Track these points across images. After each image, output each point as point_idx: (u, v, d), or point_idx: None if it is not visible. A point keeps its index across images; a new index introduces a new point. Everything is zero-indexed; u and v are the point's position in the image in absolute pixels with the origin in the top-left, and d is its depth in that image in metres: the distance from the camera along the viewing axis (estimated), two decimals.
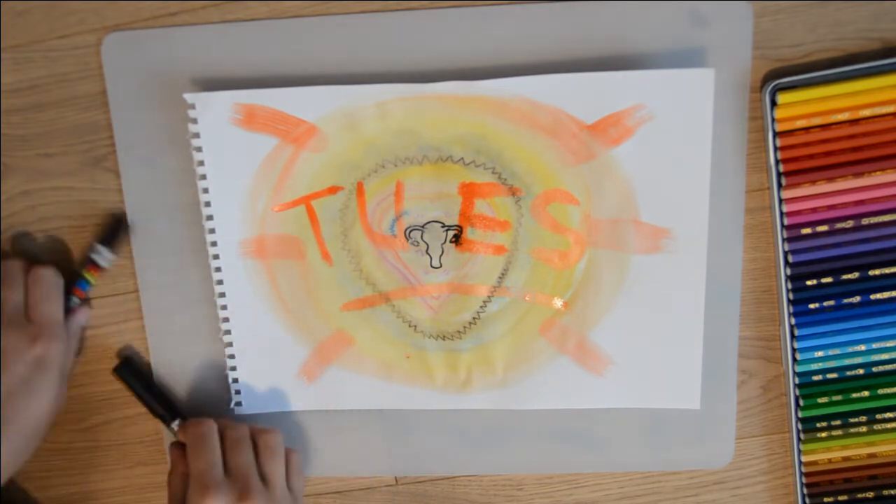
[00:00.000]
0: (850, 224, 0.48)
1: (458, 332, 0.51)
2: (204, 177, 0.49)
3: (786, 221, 0.48)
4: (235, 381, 0.52)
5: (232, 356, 0.52)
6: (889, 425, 0.51)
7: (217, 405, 0.54)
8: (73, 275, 0.51)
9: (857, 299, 0.49)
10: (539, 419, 0.53)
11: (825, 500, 0.52)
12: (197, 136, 0.49)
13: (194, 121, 0.48)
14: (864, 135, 0.47)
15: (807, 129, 0.47)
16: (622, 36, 0.48)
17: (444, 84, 0.47)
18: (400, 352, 0.52)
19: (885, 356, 0.50)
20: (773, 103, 0.47)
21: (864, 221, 0.48)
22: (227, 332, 0.52)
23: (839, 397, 0.50)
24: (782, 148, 0.48)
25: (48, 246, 0.52)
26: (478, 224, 0.50)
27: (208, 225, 0.50)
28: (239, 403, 0.53)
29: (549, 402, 0.52)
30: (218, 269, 0.51)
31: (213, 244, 0.50)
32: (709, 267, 0.49)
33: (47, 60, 0.50)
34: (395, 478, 0.55)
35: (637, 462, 0.53)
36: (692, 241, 0.49)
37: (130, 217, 0.51)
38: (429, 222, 0.50)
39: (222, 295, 0.51)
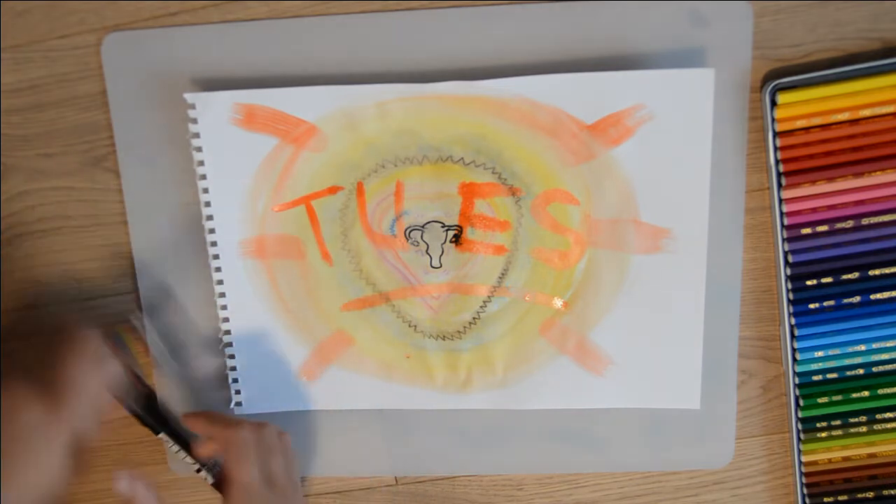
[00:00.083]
0: (850, 224, 0.48)
1: (458, 332, 0.51)
2: (204, 177, 0.49)
3: (786, 221, 0.48)
4: (235, 381, 0.52)
5: (232, 356, 0.52)
6: (889, 425, 0.51)
7: (217, 405, 0.54)
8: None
9: (857, 299, 0.49)
10: (539, 419, 0.53)
11: (825, 500, 0.52)
12: (197, 136, 0.49)
13: (194, 121, 0.48)
14: (864, 135, 0.47)
15: (807, 129, 0.47)
16: (622, 36, 0.48)
17: (444, 84, 0.47)
18: (400, 352, 0.52)
19: (885, 356, 0.50)
20: (773, 103, 0.47)
21: (864, 221, 0.48)
22: (227, 332, 0.52)
23: (839, 397, 0.50)
24: (782, 148, 0.48)
25: (48, 246, 0.52)
26: (478, 224, 0.50)
27: (208, 225, 0.50)
28: (239, 403, 0.53)
29: (549, 402, 0.52)
30: (218, 269, 0.51)
31: (213, 244, 0.50)
32: (709, 267, 0.49)
33: (47, 60, 0.50)
34: (395, 478, 0.55)
35: (637, 462, 0.53)
36: (692, 241, 0.49)
37: (131, 217, 0.51)
38: (429, 222, 0.50)
39: (222, 295, 0.51)
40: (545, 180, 0.49)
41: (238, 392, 0.53)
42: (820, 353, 0.50)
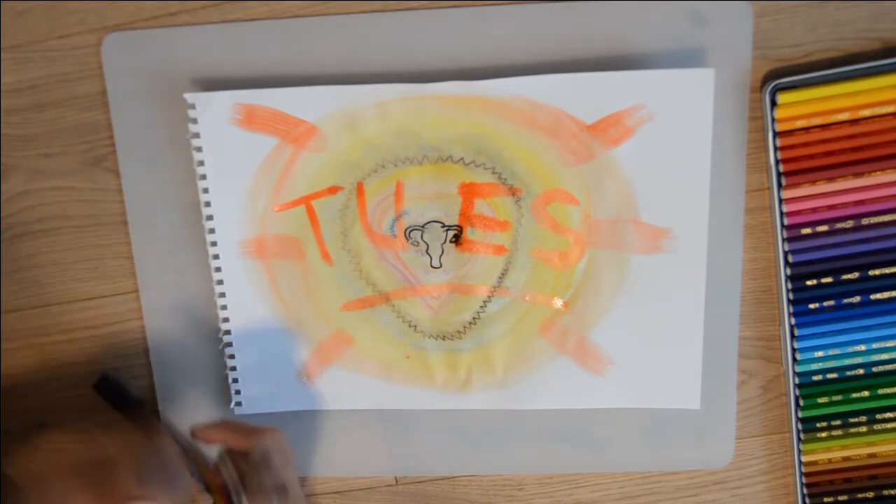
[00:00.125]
0: (850, 224, 0.48)
1: (458, 332, 0.51)
2: (204, 177, 0.49)
3: (786, 221, 0.48)
4: (235, 381, 0.52)
5: (232, 356, 0.52)
6: (889, 425, 0.51)
7: (217, 405, 0.54)
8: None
9: (857, 299, 0.49)
10: (539, 419, 0.53)
11: (825, 500, 0.52)
12: (197, 136, 0.49)
13: (194, 121, 0.48)
14: (864, 135, 0.47)
15: (807, 129, 0.47)
16: (622, 36, 0.48)
17: (444, 84, 0.47)
18: (400, 352, 0.52)
19: (885, 356, 0.50)
20: (773, 103, 0.47)
21: (864, 221, 0.48)
22: (227, 332, 0.52)
23: (839, 397, 0.50)
24: (782, 148, 0.48)
25: (48, 246, 0.52)
26: (478, 224, 0.50)
27: (208, 225, 0.50)
28: (239, 403, 0.53)
29: (549, 402, 0.52)
30: (218, 269, 0.51)
31: (213, 244, 0.50)
32: (709, 267, 0.49)
33: (47, 60, 0.50)
34: (395, 478, 0.55)
35: (637, 462, 0.53)
36: (692, 241, 0.49)
37: (131, 217, 0.51)
38: (429, 222, 0.50)
39: (222, 295, 0.51)
40: (545, 180, 0.49)
41: (238, 392, 0.53)
42: (820, 353, 0.50)
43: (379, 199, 0.50)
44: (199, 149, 0.49)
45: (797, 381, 0.51)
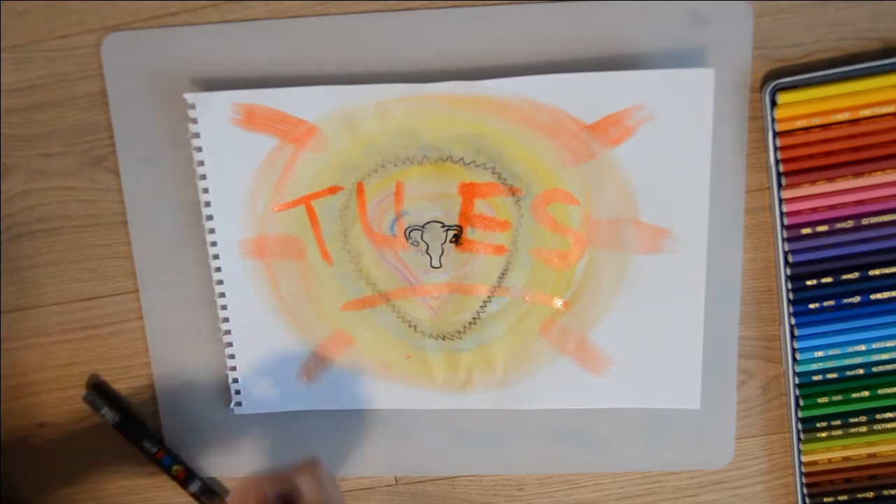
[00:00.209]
0: (850, 224, 0.48)
1: (458, 332, 0.51)
2: (204, 177, 0.49)
3: (786, 221, 0.48)
4: (235, 381, 0.52)
5: (232, 356, 0.52)
6: (889, 425, 0.51)
7: (217, 405, 0.54)
8: None
9: (857, 299, 0.49)
10: (539, 419, 0.53)
11: (825, 500, 0.52)
12: (197, 136, 0.49)
13: (194, 121, 0.48)
14: (864, 135, 0.47)
15: (807, 129, 0.47)
16: (622, 36, 0.48)
17: (444, 84, 0.47)
18: (400, 352, 0.52)
19: (885, 356, 0.50)
20: (773, 103, 0.47)
21: (864, 221, 0.48)
22: (227, 332, 0.52)
23: (839, 397, 0.50)
24: (782, 148, 0.48)
25: (48, 246, 0.52)
26: (478, 224, 0.50)
27: (208, 225, 0.50)
28: (239, 403, 0.53)
29: (549, 402, 0.52)
30: (218, 269, 0.51)
31: (213, 244, 0.50)
32: (709, 267, 0.49)
33: (47, 60, 0.50)
34: (395, 478, 0.55)
35: (637, 462, 0.53)
36: (692, 241, 0.49)
37: (131, 217, 0.51)
38: (429, 222, 0.50)
39: (222, 295, 0.51)
40: (545, 180, 0.49)
41: (238, 392, 0.53)
42: (820, 353, 0.50)
43: (379, 199, 0.50)
44: (199, 149, 0.49)
45: (797, 381, 0.51)
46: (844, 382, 0.50)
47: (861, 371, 0.50)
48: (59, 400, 0.54)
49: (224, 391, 0.53)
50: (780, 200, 0.48)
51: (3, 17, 0.49)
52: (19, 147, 0.51)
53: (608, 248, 0.49)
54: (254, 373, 0.52)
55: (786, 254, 0.49)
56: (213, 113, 0.48)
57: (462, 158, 0.49)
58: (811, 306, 0.49)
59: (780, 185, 0.48)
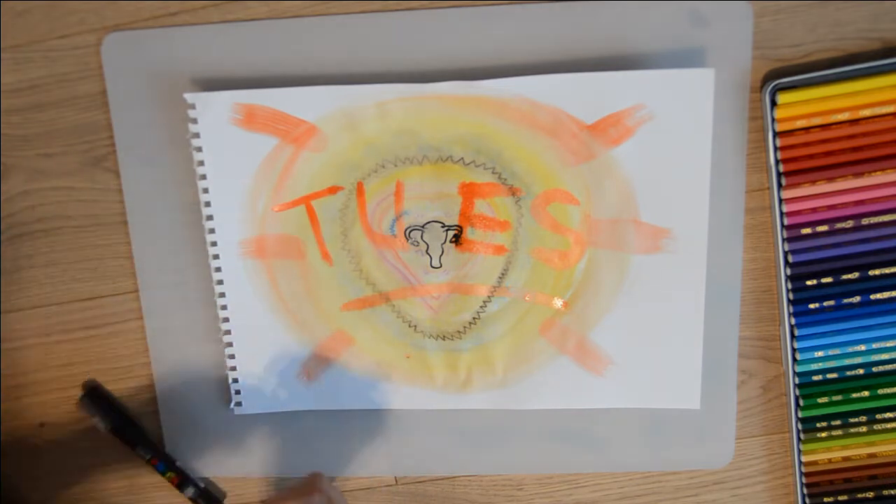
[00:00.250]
0: (850, 224, 0.48)
1: (458, 332, 0.51)
2: (204, 177, 0.49)
3: (786, 221, 0.48)
4: (235, 381, 0.52)
5: (232, 356, 0.52)
6: (889, 425, 0.51)
7: (217, 405, 0.54)
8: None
9: (857, 299, 0.49)
10: (539, 419, 0.53)
11: (825, 500, 0.52)
12: (197, 136, 0.49)
13: (194, 121, 0.48)
14: (864, 135, 0.47)
15: (807, 129, 0.47)
16: (622, 36, 0.48)
17: (444, 84, 0.47)
18: (400, 352, 0.52)
19: (885, 356, 0.50)
20: (773, 103, 0.47)
21: (864, 221, 0.48)
22: (227, 332, 0.52)
23: (839, 397, 0.50)
24: (782, 148, 0.48)
25: (48, 246, 0.52)
26: (478, 224, 0.50)
27: (208, 225, 0.50)
28: (239, 403, 0.53)
29: (549, 402, 0.52)
30: (218, 269, 0.51)
31: (213, 244, 0.50)
32: (709, 267, 0.49)
33: (47, 60, 0.50)
34: (395, 478, 0.55)
35: (637, 462, 0.53)
36: (692, 241, 0.49)
37: (131, 217, 0.51)
38: (429, 222, 0.50)
39: (222, 295, 0.51)
40: (545, 180, 0.49)
41: (238, 392, 0.53)
42: (820, 353, 0.50)
43: (379, 199, 0.50)
44: (199, 149, 0.49)
45: (797, 381, 0.51)
46: (844, 382, 0.50)
47: (861, 371, 0.50)
48: (59, 400, 0.54)
49: (224, 391, 0.53)
50: (780, 200, 0.48)
51: (3, 17, 0.49)
52: (19, 147, 0.51)
53: (608, 248, 0.49)
54: (254, 373, 0.52)
55: (786, 254, 0.49)
56: (213, 113, 0.48)
57: (462, 158, 0.49)
58: (811, 306, 0.49)
59: (780, 185, 0.48)
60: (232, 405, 0.53)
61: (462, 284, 0.51)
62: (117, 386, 0.54)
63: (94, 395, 0.53)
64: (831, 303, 0.49)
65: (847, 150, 0.47)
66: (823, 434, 0.51)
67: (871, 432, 0.51)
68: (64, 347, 0.53)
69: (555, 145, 0.48)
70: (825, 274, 0.49)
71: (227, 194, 0.50)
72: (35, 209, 0.52)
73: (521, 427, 0.53)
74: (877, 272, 0.48)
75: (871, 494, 0.51)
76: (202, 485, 0.54)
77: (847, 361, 0.50)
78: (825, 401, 0.51)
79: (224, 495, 0.55)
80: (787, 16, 0.47)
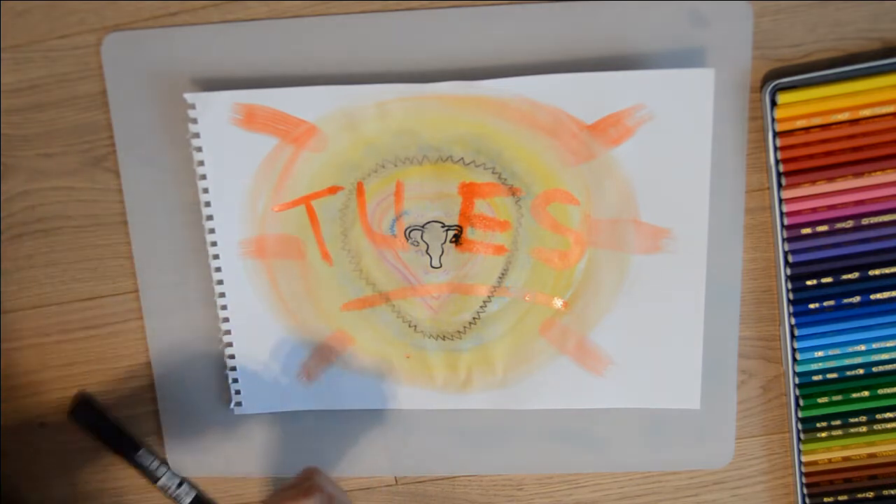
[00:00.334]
0: (850, 224, 0.48)
1: (458, 332, 0.51)
2: (204, 177, 0.49)
3: (786, 221, 0.48)
4: (235, 381, 0.52)
5: (232, 356, 0.52)
6: (889, 425, 0.51)
7: (217, 405, 0.54)
8: None
9: (857, 299, 0.49)
10: (539, 419, 0.53)
11: (825, 500, 0.52)
12: (197, 136, 0.49)
13: (194, 121, 0.48)
14: (864, 135, 0.47)
15: (807, 129, 0.47)
16: (622, 36, 0.48)
17: (444, 84, 0.47)
18: (400, 352, 0.52)
19: (885, 356, 0.50)
20: (773, 103, 0.47)
21: (864, 221, 0.48)
22: (227, 332, 0.52)
23: (839, 397, 0.50)
24: (782, 148, 0.48)
25: (48, 246, 0.52)
26: (478, 224, 0.50)
27: (208, 225, 0.50)
28: (239, 403, 0.53)
29: (549, 402, 0.52)
30: (218, 269, 0.51)
31: (213, 244, 0.50)
32: (709, 267, 0.49)
33: (47, 60, 0.50)
34: (395, 478, 0.55)
35: (637, 462, 0.53)
36: (692, 241, 0.49)
37: (131, 217, 0.51)
38: (429, 222, 0.50)
39: (222, 295, 0.51)
40: (545, 180, 0.49)
41: (238, 392, 0.53)
42: (820, 353, 0.50)
43: (379, 199, 0.50)
44: (199, 149, 0.49)
45: (797, 381, 0.51)
46: (844, 382, 0.50)
47: (861, 371, 0.50)
48: (59, 400, 0.54)
49: (224, 391, 0.53)
50: (780, 200, 0.48)
51: (3, 17, 0.49)
52: (19, 147, 0.51)
53: (608, 248, 0.49)
54: (254, 373, 0.52)
55: (786, 254, 0.49)
56: (213, 113, 0.48)
57: (462, 158, 0.49)
58: (811, 306, 0.49)
59: (780, 185, 0.48)
60: (232, 405, 0.53)
61: (462, 284, 0.51)
62: (117, 386, 0.54)
63: (84, 409, 0.53)
64: (831, 303, 0.49)
65: (847, 150, 0.47)
66: (823, 434, 0.51)
67: (871, 432, 0.51)
68: (64, 347, 0.53)
69: (555, 145, 0.48)
70: (825, 274, 0.49)
71: (227, 194, 0.50)
72: (35, 209, 0.52)
73: (521, 427, 0.53)
74: (877, 272, 0.48)
75: (871, 494, 0.51)
76: (195, 493, 0.54)
77: (847, 361, 0.50)
78: (825, 401, 0.51)
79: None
80: (787, 16, 0.47)
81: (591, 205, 0.49)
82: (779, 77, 0.47)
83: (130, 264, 0.52)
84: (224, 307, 0.51)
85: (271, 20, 0.49)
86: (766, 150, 0.48)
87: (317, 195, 0.50)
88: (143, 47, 0.49)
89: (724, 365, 0.51)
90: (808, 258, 0.49)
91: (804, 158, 0.48)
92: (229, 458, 0.55)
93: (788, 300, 0.49)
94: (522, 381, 0.51)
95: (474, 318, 0.51)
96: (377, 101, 0.48)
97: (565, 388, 0.51)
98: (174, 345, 0.53)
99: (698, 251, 0.49)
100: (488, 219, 0.50)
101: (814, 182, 0.48)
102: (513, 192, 0.49)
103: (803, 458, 0.52)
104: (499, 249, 0.50)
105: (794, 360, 0.50)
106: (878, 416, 0.50)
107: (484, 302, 0.51)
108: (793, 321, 0.50)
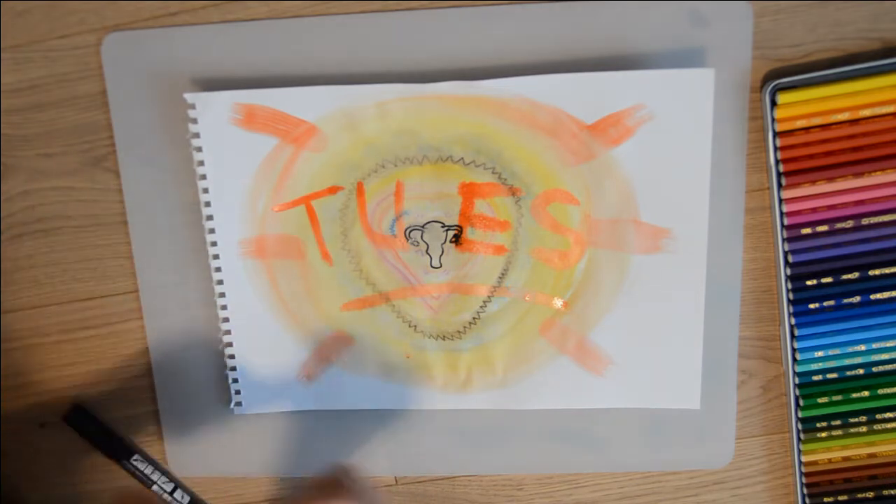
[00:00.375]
0: (850, 224, 0.48)
1: (458, 332, 0.51)
2: (204, 177, 0.49)
3: (786, 221, 0.48)
4: (235, 381, 0.52)
5: (232, 356, 0.52)
6: (889, 425, 0.51)
7: (217, 405, 0.54)
8: None
9: (857, 299, 0.49)
10: (539, 419, 0.53)
11: (825, 500, 0.52)
12: (197, 136, 0.49)
13: (194, 121, 0.48)
14: (864, 135, 0.47)
15: (807, 129, 0.47)
16: (622, 36, 0.48)
17: (444, 84, 0.47)
18: (400, 352, 0.52)
19: (885, 356, 0.50)
20: (773, 103, 0.47)
21: (864, 221, 0.48)
22: (227, 332, 0.52)
23: (839, 397, 0.50)
24: (782, 148, 0.48)
25: (48, 246, 0.52)
26: (478, 224, 0.50)
27: (208, 225, 0.50)
28: (239, 403, 0.53)
29: (549, 402, 0.52)
30: (218, 269, 0.51)
31: (213, 244, 0.50)
32: (709, 267, 0.49)
33: (47, 60, 0.50)
34: (395, 478, 0.55)
35: (637, 462, 0.53)
36: (692, 241, 0.49)
37: (131, 217, 0.51)
38: (429, 222, 0.50)
39: (222, 295, 0.51)
40: (545, 180, 0.49)
41: (238, 392, 0.53)
42: (820, 353, 0.50)
43: (379, 199, 0.50)
44: (199, 149, 0.49)
45: (797, 381, 0.51)
46: (844, 382, 0.50)
47: (861, 371, 0.50)
48: (59, 400, 0.54)
49: (224, 391, 0.53)
50: (780, 200, 0.48)
51: (3, 17, 0.49)
52: (19, 147, 0.51)
53: (608, 248, 0.50)
54: (254, 373, 0.52)
55: (786, 254, 0.49)
56: (213, 113, 0.48)
57: (462, 158, 0.49)
58: (811, 306, 0.49)
59: (780, 185, 0.48)
60: (232, 405, 0.53)
61: (462, 284, 0.51)
62: (117, 386, 0.54)
63: (77, 414, 0.53)
64: (831, 303, 0.49)
65: (847, 150, 0.47)
66: (823, 434, 0.51)
67: (871, 432, 0.51)
68: (64, 347, 0.53)
69: (555, 145, 0.48)
70: (825, 274, 0.49)
71: (227, 194, 0.50)
72: (35, 209, 0.52)
73: (521, 427, 0.53)
74: (877, 272, 0.48)
75: (871, 494, 0.51)
76: (189, 498, 0.54)
77: (847, 361, 0.50)
78: (825, 401, 0.51)
79: None
80: (787, 16, 0.47)
81: (591, 205, 0.49)
82: (779, 77, 0.47)
83: (130, 264, 0.52)
84: (224, 307, 0.51)
85: (271, 20, 0.49)
86: (766, 150, 0.48)
87: (317, 195, 0.50)
88: (143, 47, 0.49)
89: (724, 365, 0.51)
90: (808, 258, 0.49)
91: (804, 158, 0.48)
92: (229, 458, 0.55)
93: (788, 300, 0.49)
94: (522, 381, 0.52)
95: (474, 318, 0.51)
96: (377, 101, 0.48)
97: (565, 388, 0.51)
98: (174, 345, 0.53)
99: (698, 251, 0.49)
100: (488, 219, 0.50)
101: (814, 182, 0.48)
102: (513, 192, 0.49)
103: (803, 458, 0.52)
104: (499, 249, 0.50)
105: (794, 360, 0.50)
106: (878, 416, 0.50)
107: (484, 302, 0.51)
108: (793, 321, 0.50)
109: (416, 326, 0.51)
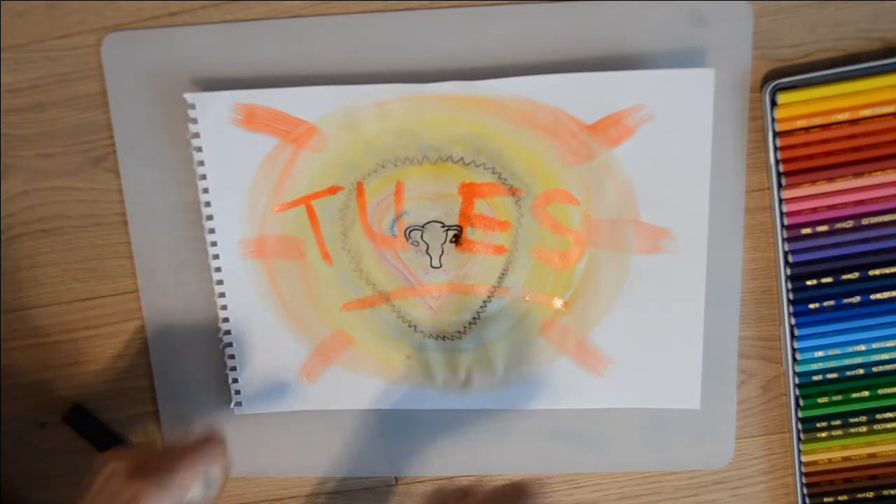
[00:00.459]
0: (850, 224, 0.48)
1: (458, 332, 0.51)
2: (204, 177, 0.49)
3: (786, 221, 0.48)
4: (235, 381, 0.52)
5: (232, 356, 0.52)
6: (889, 425, 0.51)
7: (217, 405, 0.54)
8: None
9: (857, 299, 0.49)
10: (539, 419, 0.53)
11: (825, 500, 0.52)
12: (197, 136, 0.49)
13: (194, 121, 0.48)
14: (864, 135, 0.47)
15: (807, 129, 0.47)
16: (622, 36, 0.48)
17: (444, 84, 0.47)
18: (400, 352, 0.52)
19: (885, 356, 0.50)
20: (773, 103, 0.47)
21: (864, 221, 0.48)
22: (227, 332, 0.52)
23: (839, 397, 0.50)
24: (782, 148, 0.48)
25: (48, 246, 0.52)
26: (478, 224, 0.50)
27: (208, 225, 0.50)
28: (239, 403, 0.53)
29: (549, 402, 0.52)
30: (218, 269, 0.51)
31: (213, 244, 0.50)
32: (709, 267, 0.49)
33: (47, 60, 0.50)
34: (395, 478, 0.55)
35: (637, 462, 0.53)
36: (692, 241, 0.49)
37: (131, 217, 0.51)
38: (429, 222, 0.50)
39: (222, 295, 0.51)
40: (545, 180, 0.49)
41: (238, 392, 0.53)
42: (820, 353, 0.50)
43: (379, 199, 0.50)
44: (199, 149, 0.49)
45: (797, 381, 0.51)
46: (844, 382, 0.50)
47: (861, 371, 0.50)
48: (58, 400, 0.54)
49: (224, 391, 0.53)
50: (780, 200, 0.48)
51: (3, 17, 0.49)
52: (19, 147, 0.51)
53: (608, 248, 0.49)
54: (254, 373, 0.52)
55: (786, 254, 0.49)
56: (213, 113, 0.48)
57: (462, 158, 0.49)
58: (811, 306, 0.49)
59: (780, 185, 0.48)
60: (232, 405, 0.53)
61: (462, 284, 0.51)
62: (117, 386, 0.54)
63: (76, 414, 0.53)
64: (831, 303, 0.49)
65: (847, 150, 0.47)
66: (823, 434, 0.51)
67: (871, 432, 0.51)
68: (64, 347, 0.53)
69: (555, 145, 0.48)
70: (825, 274, 0.49)
71: (227, 194, 0.50)
72: (35, 209, 0.52)
73: (521, 427, 0.53)
74: (877, 272, 0.48)
75: (871, 494, 0.51)
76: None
77: (847, 361, 0.50)
78: (825, 401, 0.51)
79: None
80: (787, 16, 0.47)
81: (591, 205, 0.49)
82: (779, 77, 0.47)
83: (130, 264, 0.52)
84: (224, 307, 0.51)
85: (271, 20, 0.49)
86: (766, 150, 0.48)
87: (317, 195, 0.50)
88: (143, 47, 0.49)
89: (724, 365, 0.51)
90: (808, 258, 0.49)
91: (804, 158, 0.48)
92: (229, 458, 0.54)
93: (788, 300, 0.49)
94: (522, 381, 0.52)
95: (474, 318, 0.51)
96: (377, 101, 0.48)
97: (565, 388, 0.51)
98: (174, 345, 0.53)
99: (698, 251, 0.49)
100: (488, 219, 0.50)
101: (814, 182, 0.48)
102: (513, 192, 0.49)
103: (803, 458, 0.52)
104: (499, 249, 0.50)
105: (794, 360, 0.50)
106: (878, 416, 0.50)
107: (484, 302, 0.51)
108: (793, 321, 0.50)
109: (416, 326, 0.51)
